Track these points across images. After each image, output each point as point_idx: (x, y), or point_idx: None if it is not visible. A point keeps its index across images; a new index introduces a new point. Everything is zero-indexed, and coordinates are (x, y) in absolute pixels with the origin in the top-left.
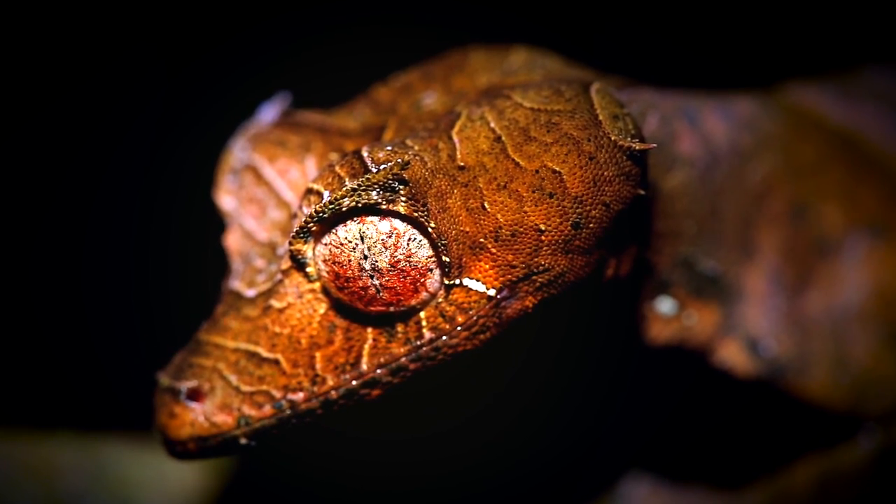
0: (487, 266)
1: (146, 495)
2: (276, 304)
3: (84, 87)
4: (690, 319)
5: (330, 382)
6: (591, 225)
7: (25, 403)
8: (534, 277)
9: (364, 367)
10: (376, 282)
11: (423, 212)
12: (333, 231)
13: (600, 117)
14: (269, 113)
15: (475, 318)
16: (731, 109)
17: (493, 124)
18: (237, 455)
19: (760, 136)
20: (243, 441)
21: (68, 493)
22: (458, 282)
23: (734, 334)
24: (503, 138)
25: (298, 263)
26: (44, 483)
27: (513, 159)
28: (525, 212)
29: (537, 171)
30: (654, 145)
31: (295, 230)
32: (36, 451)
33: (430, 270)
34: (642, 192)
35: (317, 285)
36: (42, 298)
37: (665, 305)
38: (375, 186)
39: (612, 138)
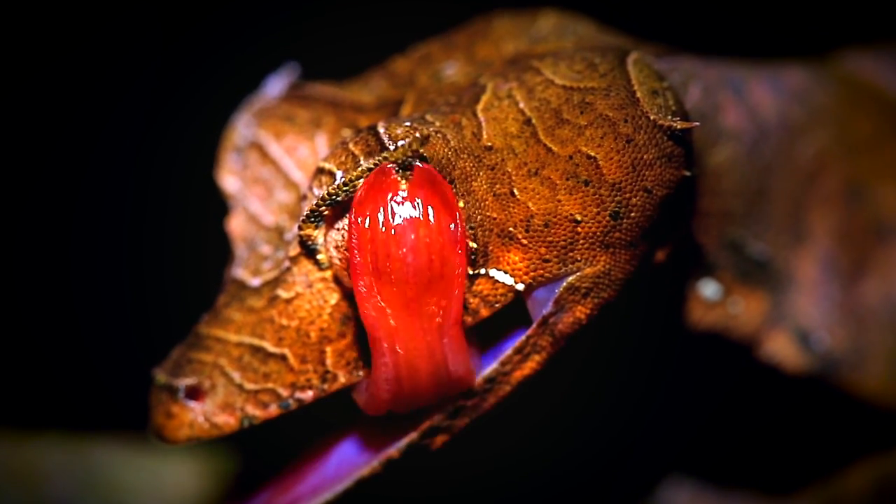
0: (517, 258)
1: (140, 501)
2: (283, 294)
3: (69, 56)
4: (736, 307)
5: (342, 380)
6: (633, 214)
7: (9, 402)
8: (573, 281)
9: None
10: None
11: None
12: (347, 214)
13: (638, 94)
14: (275, 86)
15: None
16: (781, 80)
17: (522, 105)
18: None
19: (812, 109)
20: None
21: (56, 498)
22: (482, 271)
23: (783, 325)
24: (534, 121)
25: (308, 250)
26: (29, 488)
27: (544, 144)
28: (559, 200)
29: (571, 157)
30: (698, 123)
31: (305, 214)
32: (21, 454)
33: None
34: (687, 174)
35: (328, 274)
36: (27, 287)
37: (709, 289)
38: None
39: (652, 118)
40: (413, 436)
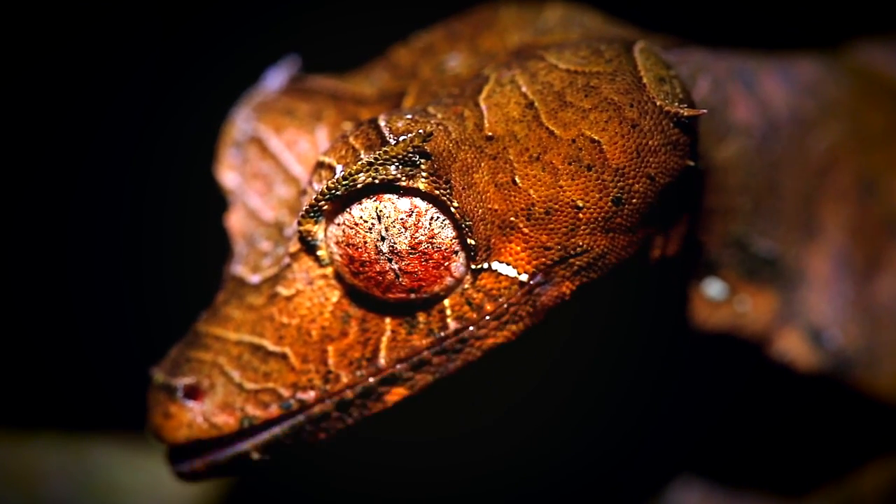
0: (519, 248)
1: (138, 502)
2: (283, 291)
3: (67, 48)
4: (743, 305)
5: (344, 380)
6: (634, 200)
7: (5, 402)
8: (571, 260)
9: (382, 361)
10: (395, 266)
11: (445, 189)
12: (347, 210)
13: (644, 80)
14: (275, 78)
15: (505, 306)
16: (792, 72)
17: (524, 88)
18: None
19: (824, 102)
20: None
21: (53, 500)
22: (485, 266)
23: (794, 323)
24: (536, 104)
25: (308, 246)
26: (25, 490)
27: (547, 127)
28: (560, 186)
29: (574, 141)
30: (705, 111)
31: (304, 209)
32: (16, 455)
33: (455, 253)
34: (691, 164)
35: (329, 270)
36: (23, 284)
37: (713, 289)
38: (394, 160)
39: (658, 103)
40: (371, 381)
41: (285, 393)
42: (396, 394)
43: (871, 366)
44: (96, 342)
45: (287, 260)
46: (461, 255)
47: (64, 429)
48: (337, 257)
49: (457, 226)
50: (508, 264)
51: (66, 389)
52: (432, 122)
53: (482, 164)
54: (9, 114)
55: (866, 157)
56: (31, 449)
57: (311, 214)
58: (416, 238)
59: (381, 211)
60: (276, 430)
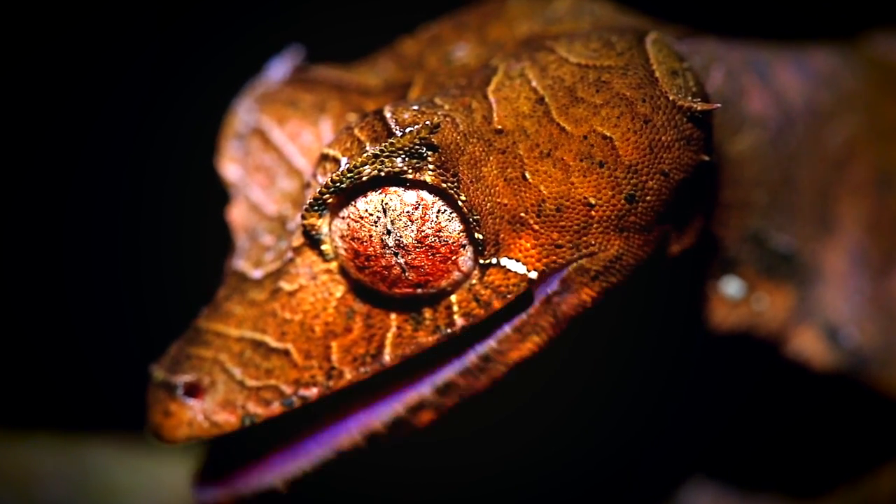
0: (529, 245)
1: None
2: (286, 286)
3: (63, 40)
4: (761, 303)
5: (347, 376)
6: (648, 198)
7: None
8: (586, 264)
9: (386, 358)
10: (401, 260)
11: (452, 182)
12: (352, 203)
13: (657, 74)
14: (278, 69)
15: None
16: (808, 63)
17: (534, 83)
18: None
19: (841, 93)
20: None
21: (48, 502)
22: (494, 261)
23: (811, 321)
24: (546, 99)
25: (312, 240)
26: (21, 492)
27: (557, 123)
28: (572, 183)
29: (585, 137)
30: (719, 105)
31: (308, 202)
32: (12, 456)
33: (463, 247)
34: (706, 159)
35: (333, 265)
36: (19, 280)
37: (732, 287)
38: (400, 152)
39: (671, 98)
40: (398, 409)
41: (287, 390)
42: None
43: (888, 364)
44: (93, 340)
45: (290, 254)
46: (469, 249)
47: (60, 429)
48: (342, 251)
49: (464, 219)
50: (518, 260)
51: (62, 388)
52: (439, 113)
53: (491, 158)
54: (6, 106)
55: (883, 149)
56: (26, 450)
57: (315, 208)
58: (423, 231)
59: (386, 204)
60: (307, 467)
